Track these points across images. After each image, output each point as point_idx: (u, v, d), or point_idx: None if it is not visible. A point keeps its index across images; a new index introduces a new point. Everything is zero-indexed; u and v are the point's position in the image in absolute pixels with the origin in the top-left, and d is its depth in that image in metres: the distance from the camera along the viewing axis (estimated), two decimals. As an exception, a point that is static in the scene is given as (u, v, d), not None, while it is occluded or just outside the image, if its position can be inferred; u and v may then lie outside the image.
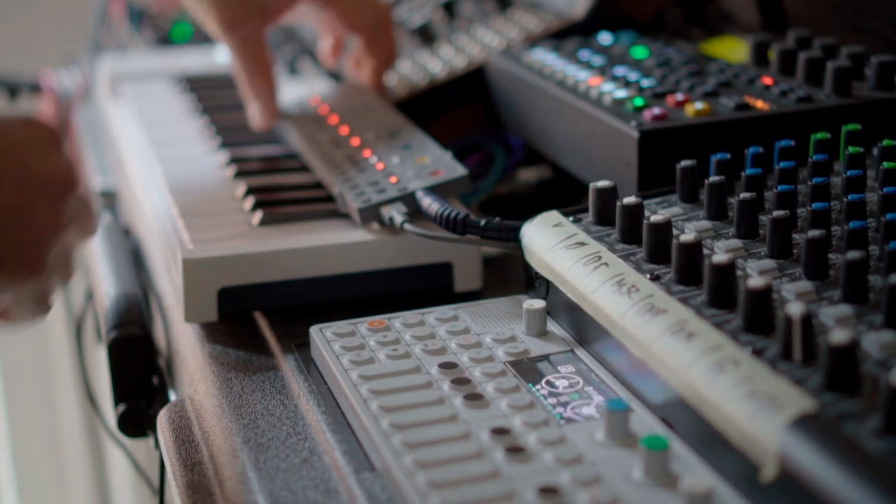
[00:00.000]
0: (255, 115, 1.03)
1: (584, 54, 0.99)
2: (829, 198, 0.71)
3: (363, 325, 0.74)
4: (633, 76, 0.92)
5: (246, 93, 1.02)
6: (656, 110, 0.83)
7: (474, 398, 0.64)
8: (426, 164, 0.87)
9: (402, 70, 1.10)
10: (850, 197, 0.68)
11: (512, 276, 0.85)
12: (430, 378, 0.66)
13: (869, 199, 0.70)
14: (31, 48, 2.14)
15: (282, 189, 0.93)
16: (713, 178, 0.73)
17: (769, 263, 0.65)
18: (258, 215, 0.86)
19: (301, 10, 1.04)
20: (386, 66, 1.07)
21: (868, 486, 0.46)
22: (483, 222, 0.78)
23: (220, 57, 1.32)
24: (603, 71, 0.94)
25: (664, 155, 0.80)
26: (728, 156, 0.77)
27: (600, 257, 0.69)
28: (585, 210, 0.75)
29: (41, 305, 0.71)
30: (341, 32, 1.07)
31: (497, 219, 0.78)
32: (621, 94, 0.87)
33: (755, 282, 0.59)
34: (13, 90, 1.76)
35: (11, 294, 0.69)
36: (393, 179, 0.85)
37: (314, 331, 0.74)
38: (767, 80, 0.89)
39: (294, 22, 1.11)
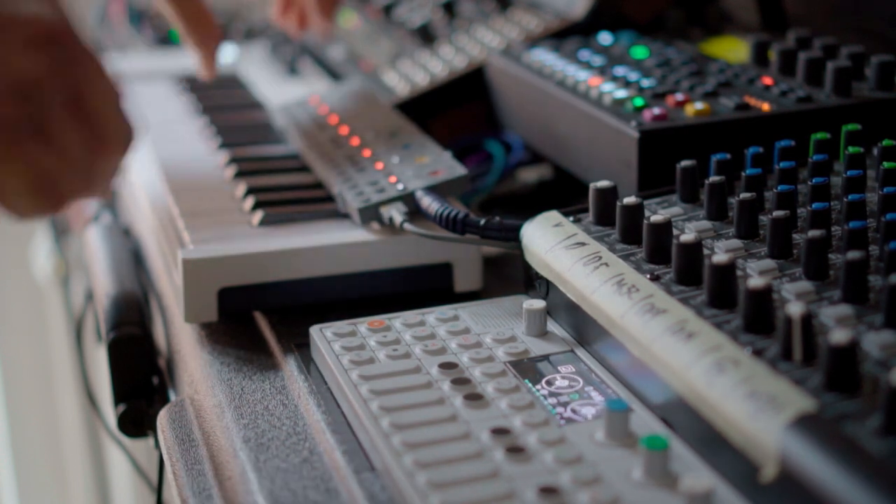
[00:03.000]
0: (198, 65, 1.06)
1: (584, 54, 0.99)
2: (829, 198, 0.71)
3: (363, 325, 0.74)
4: (633, 76, 0.92)
5: (188, 43, 1.04)
6: (656, 110, 0.82)
7: (474, 398, 0.64)
8: (425, 163, 0.87)
9: (402, 70, 1.10)
10: (850, 197, 0.68)
11: (512, 276, 0.85)
12: (430, 378, 0.66)
13: (869, 200, 0.70)
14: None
15: (282, 189, 0.93)
16: (713, 178, 0.73)
17: (769, 263, 0.65)
18: (258, 215, 0.86)
19: None
20: None
21: (868, 486, 0.46)
22: (483, 221, 0.78)
23: (221, 57, 1.32)
24: (603, 71, 0.94)
25: (664, 155, 0.80)
26: (728, 156, 0.77)
27: (600, 257, 0.69)
28: (585, 210, 0.75)
29: (39, 192, 0.57)
30: None
31: (497, 218, 0.78)
32: (621, 94, 0.87)
33: (755, 282, 0.59)
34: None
35: None
36: (392, 179, 0.85)
37: (314, 331, 0.74)
38: (767, 80, 0.89)
39: None
